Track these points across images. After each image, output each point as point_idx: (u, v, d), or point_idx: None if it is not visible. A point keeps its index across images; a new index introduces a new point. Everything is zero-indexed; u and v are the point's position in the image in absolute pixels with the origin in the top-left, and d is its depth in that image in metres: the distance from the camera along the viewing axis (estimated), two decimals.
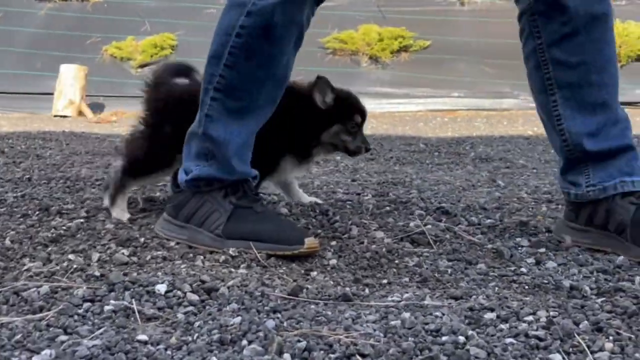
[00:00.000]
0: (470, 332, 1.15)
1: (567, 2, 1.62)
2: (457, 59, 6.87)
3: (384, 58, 6.96)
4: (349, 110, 2.02)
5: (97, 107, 7.22)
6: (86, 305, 1.30)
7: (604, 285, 1.40)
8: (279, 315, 1.26)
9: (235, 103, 1.71)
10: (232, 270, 1.56)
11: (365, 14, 6.82)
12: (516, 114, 6.36)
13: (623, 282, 1.40)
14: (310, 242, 1.63)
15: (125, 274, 1.48)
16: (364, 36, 6.81)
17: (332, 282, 1.49)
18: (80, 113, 6.97)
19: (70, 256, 1.61)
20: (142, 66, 7.50)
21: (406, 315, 1.25)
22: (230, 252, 1.66)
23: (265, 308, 1.29)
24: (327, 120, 1.99)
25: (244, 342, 1.13)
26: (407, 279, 1.51)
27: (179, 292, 1.36)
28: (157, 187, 2.51)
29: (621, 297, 1.32)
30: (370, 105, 6.69)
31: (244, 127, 1.73)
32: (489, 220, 2.00)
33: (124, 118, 6.17)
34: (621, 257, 1.58)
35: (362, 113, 2.04)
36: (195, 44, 7.20)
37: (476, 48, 6.83)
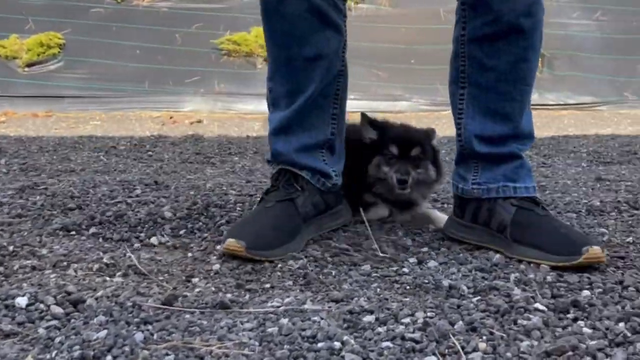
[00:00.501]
0: (346, 338, 1.13)
1: (492, 4, 1.63)
2: (350, 63, 6.93)
3: None
4: (384, 140, 1.95)
5: None
6: None
7: (480, 284, 1.42)
8: (149, 326, 1.19)
9: None
10: (107, 279, 1.47)
11: (257, 17, 6.74)
12: (409, 116, 6.49)
13: (497, 281, 1.43)
14: (593, 251, 1.49)
15: None
16: (257, 38, 6.77)
17: (213, 289, 1.43)
18: None
19: None
20: (29, 65, 7.11)
21: (284, 321, 1.21)
22: (105, 259, 1.57)
23: (135, 320, 1.21)
24: (371, 154, 1.95)
25: (108, 357, 1.06)
26: (290, 282, 1.48)
27: (41, 305, 1.26)
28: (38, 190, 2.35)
29: (495, 295, 1.35)
30: (266, 106, 6.69)
31: None
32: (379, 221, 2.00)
33: (14, 119, 5.81)
34: (497, 255, 1.62)
35: (397, 141, 1.93)
36: (84, 43, 6.91)
37: (367, 53, 6.93)
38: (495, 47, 1.67)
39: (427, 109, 6.73)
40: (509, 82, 1.68)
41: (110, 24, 7.08)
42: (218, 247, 1.70)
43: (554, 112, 6.48)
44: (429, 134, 1.99)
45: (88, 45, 6.85)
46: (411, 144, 1.93)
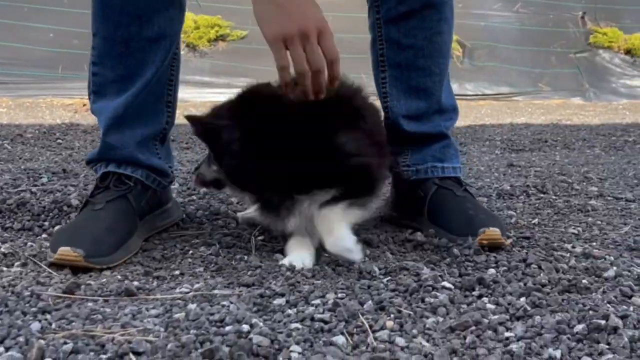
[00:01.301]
0: (255, 320, 1.11)
1: None
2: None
3: (202, 47, 6.80)
4: None
5: None
6: None
7: (391, 264, 1.43)
8: (47, 316, 1.13)
9: None
10: (4, 269, 1.40)
11: None
12: None
13: (408, 261, 1.45)
14: (489, 232, 1.51)
15: None
16: None
17: (119, 277, 1.38)
18: None
19: None
20: None
21: (192, 306, 1.18)
22: (3, 249, 1.49)
23: (33, 309, 1.15)
24: None
25: (1, 349, 1.00)
26: (201, 269, 1.45)
27: None
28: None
29: (405, 275, 1.36)
30: (191, 94, 6.51)
31: None
32: None
33: None
34: (411, 237, 1.64)
35: None
36: None
37: None
38: (410, 25, 1.69)
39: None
40: (427, 57, 1.71)
41: (22, 5, 6.73)
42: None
43: (472, 102, 6.66)
44: None
45: None
46: None
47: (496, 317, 1.14)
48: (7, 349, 1.00)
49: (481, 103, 6.70)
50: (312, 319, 1.14)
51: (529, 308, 1.18)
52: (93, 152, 1.69)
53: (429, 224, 1.67)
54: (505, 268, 1.41)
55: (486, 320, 1.13)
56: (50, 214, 1.82)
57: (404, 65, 1.73)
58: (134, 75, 1.60)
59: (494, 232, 1.53)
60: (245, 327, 1.09)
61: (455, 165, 1.77)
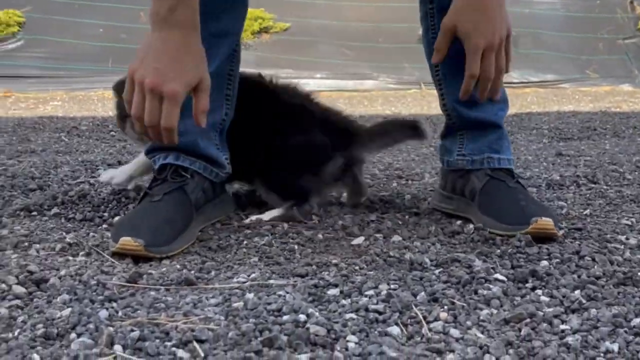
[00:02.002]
0: (311, 310, 1.14)
1: None
2: (317, 41, 6.93)
3: (246, 39, 6.87)
4: None
5: None
6: None
7: (442, 256, 1.44)
8: (114, 304, 1.19)
9: None
10: (70, 258, 1.46)
11: None
12: (376, 94, 6.52)
13: (459, 253, 1.46)
14: (542, 222, 1.51)
15: None
16: None
17: (177, 266, 1.43)
18: None
19: None
20: None
21: (250, 296, 1.22)
22: (68, 239, 1.55)
23: (100, 297, 1.21)
24: None
25: (73, 335, 1.05)
26: (256, 259, 1.48)
27: (2, 285, 1.25)
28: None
29: (456, 267, 1.37)
30: None
31: None
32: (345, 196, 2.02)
33: None
34: (461, 228, 1.65)
35: None
36: (45, 21, 6.74)
37: (335, 31, 6.92)
38: None
39: (393, 87, 6.76)
40: None
41: (73, 2, 6.92)
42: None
43: (518, 90, 6.58)
44: None
45: (49, 23, 6.70)
46: None
47: (551, 309, 1.15)
48: (78, 335, 1.05)
49: (527, 91, 6.60)
50: (367, 310, 1.17)
51: (584, 301, 1.18)
52: (151, 144, 1.74)
53: (479, 215, 1.67)
54: (558, 260, 1.41)
55: (541, 313, 1.14)
56: (110, 205, 1.88)
57: (457, 53, 1.73)
58: None
59: (546, 222, 1.52)
60: (302, 317, 1.12)
61: (509, 157, 1.77)
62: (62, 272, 1.33)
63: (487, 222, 1.63)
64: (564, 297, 1.21)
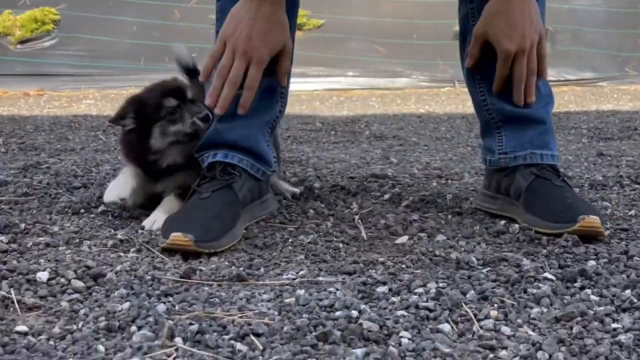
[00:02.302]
0: (362, 306, 1.16)
1: None
2: (350, 39, 6.94)
3: None
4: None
5: None
6: None
7: (489, 255, 1.45)
8: (170, 298, 1.22)
9: None
10: (122, 254, 1.50)
11: None
12: (408, 92, 6.51)
13: (506, 252, 1.47)
14: (589, 220, 1.51)
15: (3, 262, 1.39)
16: None
17: (226, 263, 1.46)
18: None
19: None
20: (22, 42, 7.05)
21: (300, 292, 1.25)
22: (120, 236, 1.59)
23: (156, 292, 1.24)
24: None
25: (133, 327, 1.09)
26: (302, 256, 1.51)
27: (62, 280, 1.29)
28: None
29: (504, 266, 1.38)
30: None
31: None
32: (387, 196, 2.03)
33: (6, 97, 5.80)
34: (506, 228, 1.66)
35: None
36: (79, 19, 6.84)
37: (368, 28, 6.92)
38: None
39: (427, 85, 6.72)
40: None
41: None
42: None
43: (555, 88, 6.43)
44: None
45: (83, 21, 6.78)
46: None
47: (602, 308, 1.15)
48: (139, 328, 1.09)
49: (564, 89, 6.52)
50: (417, 307, 1.18)
51: (635, 300, 1.18)
52: (204, 138, 1.77)
53: (525, 214, 1.67)
54: (605, 260, 1.41)
55: (592, 312, 1.14)
56: (153, 202, 1.92)
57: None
58: None
59: (594, 220, 1.52)
60: (354, 313, 1.14)
61: (552, 152, 1.75)
62: (117, 268, 1.37)
63: (532, 221, 1.63)
64: (614, 296, 1.21)
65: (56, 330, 1.09)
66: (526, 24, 1.62)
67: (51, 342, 1.05)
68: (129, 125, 1.80)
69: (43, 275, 1.30)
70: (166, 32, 6.75)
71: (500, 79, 1.69)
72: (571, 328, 1.10)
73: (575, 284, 1.28)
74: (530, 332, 1.09)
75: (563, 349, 1.03)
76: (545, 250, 1.48)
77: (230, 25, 1.60)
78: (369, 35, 6.90)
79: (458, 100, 5.69)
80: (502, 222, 1.73)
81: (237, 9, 1.60)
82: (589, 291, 1.25)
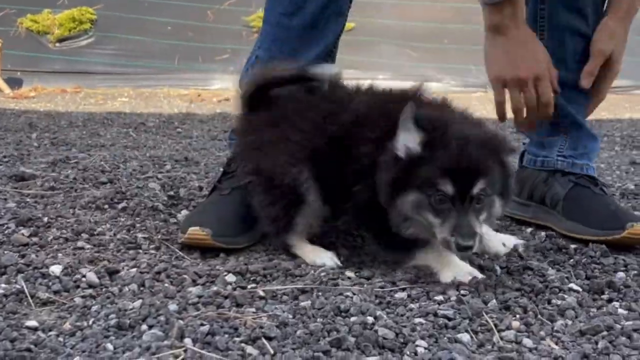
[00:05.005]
0: (379, 313, 1.13)
1: None
2: (381, 42, 6.89)
3: None
4: (431, 160, 1.24)
5: (14, 82, 6.85)
6: None
7: (514, 264, 1.40)
8: (183, 297, 1.20)
9: None
10: (140, 251, 1.49)
11: None
12: None
13: (532, 261, 1.42)
14: (638, 227, 1.46)
15: (22, 256, 1.39)
16: None
17: (243, 264, 1.44)
18: None
19: None
20: (60, 41, 7.17)
21: (317, 295, 1.22)
22: (138, 233, 1.58)
23: (170, 290, 1.22)
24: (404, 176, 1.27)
25: (144, 326, 1.07)
26: (322, 259, 1.47)
27: (76, 275, 1.28)
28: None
29: (529, 275, 1.33)
30: None
31: None
32: None
33: (43, 94, 5.88)
34: (529, 234, 1.61)
35: (453, 172, 1.22)
36: (115, 18, 6.92)
37: (400, 31, 6.86)
38: None
39: (458, 90, 6.64)
40: None
41: (142, 0, 7.08)
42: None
43: None
44: (498, 146, 1.29)
45: (119, 20, 6.87)
46: (476, 172, 1.23)
47: (630, 323, 1.10)
48: (149, 327, 1.07)
49: None
50: (436, 315, 1.14)
51: None
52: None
53: (564, 221, 1.62)
54: (635, 272, 1.36)
55: (619, 326, 1.09)
56: (178, 201, 1.91)
57: None
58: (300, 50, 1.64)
59: None
60: (370, 319, 1.11)
61: (593, 164, 1.74)
62: (133, 264, 1.36)
63: (574, 228, 1.58)
64: None
65: (67, 326, 1.08)
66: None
67: (60, 339, 1.04)
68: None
69: (57, 270, 1.29)
70: (200, 32, 6.79)
71: (598, 101, 1.71)
72: (596, 343, 1.05)
73: (603, 296, 1.23)
74: (553, 346, 1.05)
75: None
76: (572, 260, 1.43)
77: (495, 66, 1.58)
78: (400, 38, 6.85)
79: (490, 106, 5.60)
80: (529, 230, 1.68)
81: (490, 49, 1.57)
82: (616, 304, 1.19)
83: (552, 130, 1.77)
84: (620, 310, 1.16)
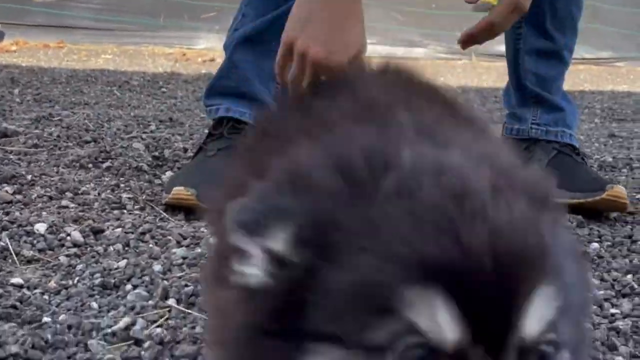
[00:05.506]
0: None
1: None
2: (368, 4, 6.81)
3: None
4: None
5: None
6: None
7: None
8: (167, 258, 1.22)
9: None
10: (124, 211, 1.50)
11: None
12: (425, 63, 6.43)
13: None
14: (617, 189, 1.50)
15: (6, 213, 1.39)
16: None
17: None
18: None
19: None
20: None
21: None
22: (123, 193, 1.59)
23: (155, 250, 1.24)
24: None
25: (129, 286, 1.09)
26: None
27: (62, 234, 1.29)
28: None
29: None
30: None
31: None
32: None
33: (26, 48, 5.78)
34: None
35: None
36: None
37: None
38: None
39: (443, 57, 6.62)
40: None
41: None
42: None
43: (570, 67, 6.38)
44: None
45: None
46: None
47: (601, 292, 1.14)
48: (134, 287, 1.09)
49: (580, 68, 6.41)
50: None
51: (636, 286, 1.17)
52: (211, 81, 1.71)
53: None
54: (609, 243, 1.39)
55: (591, 296, 1.13)
56: (164, 161, 1.92)
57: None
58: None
59: (621, 190, 1.50)
60: None
61: (574, 133, 1.76)
62: (117, 224, 1.37)
63: (556, 193, 1.61)
64: (615, 280, 1.20)
65: (52, 284, 1.09)
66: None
67: (45, 297, 1.05)
68: None
69: (42, 228, 1.30)
70: None
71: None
72: None
73: None
74: None
75: None
76: None
77: (297, 24, 1.10)
78: (387, 1, 6.79)
79: (474, 74, 5.61)
80: None
81: (303, 1, 1.12)
82: (589, 274, 1.23)
83: (521, 100, 1.79)
84: (593, 281, 1.20)
